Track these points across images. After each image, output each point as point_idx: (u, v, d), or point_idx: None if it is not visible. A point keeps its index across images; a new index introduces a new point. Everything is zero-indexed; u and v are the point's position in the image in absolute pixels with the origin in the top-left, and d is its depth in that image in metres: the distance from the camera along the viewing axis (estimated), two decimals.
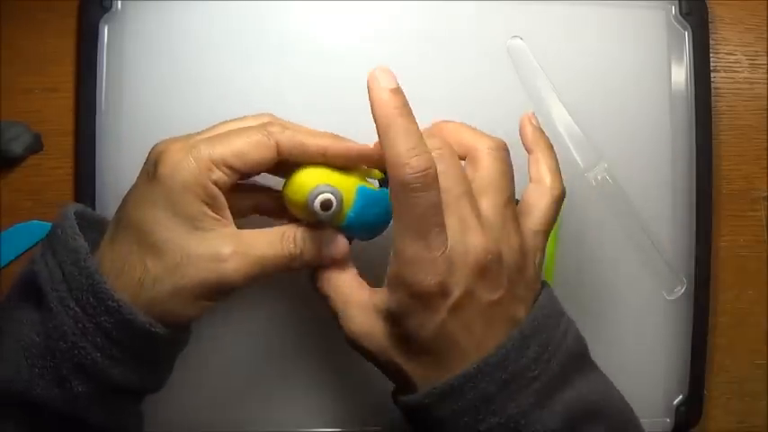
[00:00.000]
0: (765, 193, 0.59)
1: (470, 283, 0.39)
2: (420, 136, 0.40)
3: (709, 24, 0.58)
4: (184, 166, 0.39)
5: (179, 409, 0.53)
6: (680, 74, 0.57)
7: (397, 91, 0.40)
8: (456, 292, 0.38)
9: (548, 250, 0.48)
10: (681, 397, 0.57)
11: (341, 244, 0.44)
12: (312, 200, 0.41)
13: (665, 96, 0.57)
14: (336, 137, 0.43)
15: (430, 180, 0.38)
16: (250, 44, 0.54)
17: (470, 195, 0.40)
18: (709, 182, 0.57)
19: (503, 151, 0.43)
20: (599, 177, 0.55)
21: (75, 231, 0.41)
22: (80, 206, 0.44)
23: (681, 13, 0.57)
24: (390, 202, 0.40)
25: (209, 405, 0.54)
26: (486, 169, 0.42)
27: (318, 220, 0.42)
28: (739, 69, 0.59)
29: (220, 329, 0.54)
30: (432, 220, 0.38)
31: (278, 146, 0.41)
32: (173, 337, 0.42)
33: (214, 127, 0.44)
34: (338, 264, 0.44)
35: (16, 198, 0.55)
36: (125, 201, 0.42)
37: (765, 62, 0.59)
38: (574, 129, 0.55)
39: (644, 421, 0.56)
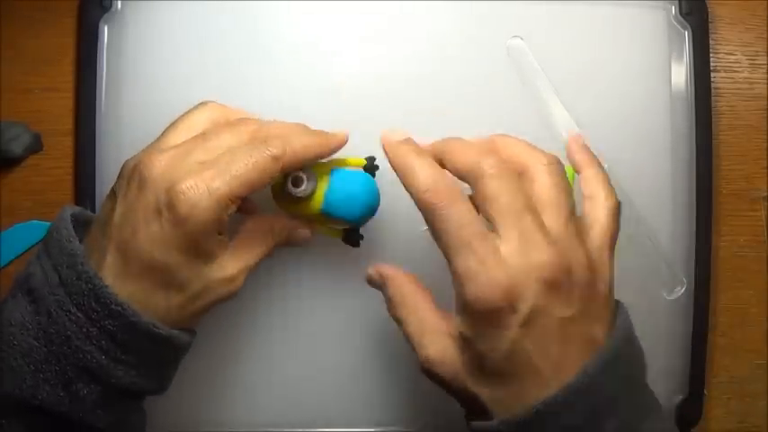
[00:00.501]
0: (765, 193, 0.59)
1: (539, 299, 0.37)
2: (432, 163, 0.41)
3: (710, 24, 0.58)
4: (206, 209, 0.40)
5: (179, 408, 0.53)
6: (680, 74, 0.57)
7: (408, 140, 0.44)
8: (524, 308, 0.36)
9: None
10: (681, 397, 0.57)
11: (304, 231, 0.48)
12: (285, 180, 0.46)
13: (665, 96, 0.57)
14: (322, 136, 0.46)
15: (450, 196, 0.39)
16: (250, 44, 0.54)
17: (531, 210, 0.39)
18: (709, 182, 0.57)
19: (558, 166, 0.42)
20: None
21: (70, 234, 0.41)
22: (77, 208, 0.44)
23: (681, 13, 0.57)
24: (420, 212, 0.41)
25: (210, 405, 0.54)
26: (543, 185, 0.40)
27: (295, 198, 0.47)
28: (739, 69, 0.59)
29: (221, 329, 0.54)
30: (468, 231, 0.38)
31: (282, 169, 0.43)
32: (177, 338, 0.42)
33: (203, 140, 0.43)
34: (412, 289, 0.45)
35: (16, 198, 0.55)
36: (134, 237, 0.40)
37: (765, 62, 0.59)
38: (574, 129, 0.55)
39: None
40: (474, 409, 0.40)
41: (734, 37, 0.59)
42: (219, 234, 0.42)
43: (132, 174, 0.41)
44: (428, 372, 0.41)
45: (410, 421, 0.55)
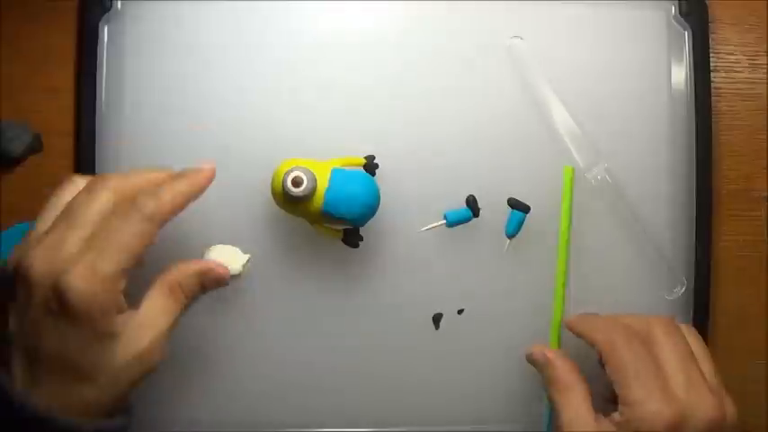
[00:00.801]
0: (765, 193, 0.59)
1: None
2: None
3: (710, 24, 0.58)
4: (96, 293, 0.38)
5: (177, 409, 0.53)
6: (680, 74, 0.57)
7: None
8: None
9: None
10: None
11: (217, 269, 0.45)
12: (284, 180, 0.47)
13: (665, 96, 0.57)
14: (187, 176, 0.44)
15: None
16: (250, 43, 0.54)
17: (693, 358, 0.44)
18: (709, 182, 0.57)
19: (673, 326, 0.47)
20: (599, 177, 0.55)
21: None
22: None
23: (681, 13, 0.57)
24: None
25: (209, 405, 0.54)
26: (689, 342, 0.46)
27: (295, 198, 0.47)
28: (739, 69, 0.59)
29: (219, 329, 0.54)
30: (647, 370, 0.43)
31: (160, 224, 0.42)
32: (105, 427, 0.41)
33: (74, 216, 0.41)
34: (575, 379, 0.46)
35: (16, 198, 0.55)
36: (35, 339, 0.39)
37: (765, 62, 0.59)
38: (573, 129, 0.55)
39: None
40: None
41: (734, 37, 0.59)
42: (119, 311, 0.40)
43: (16, 277, 0.39)
44: None
45: (409, 421, 0.55)
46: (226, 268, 0.45)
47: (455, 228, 0.54)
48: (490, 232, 0.55)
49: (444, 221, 0.54)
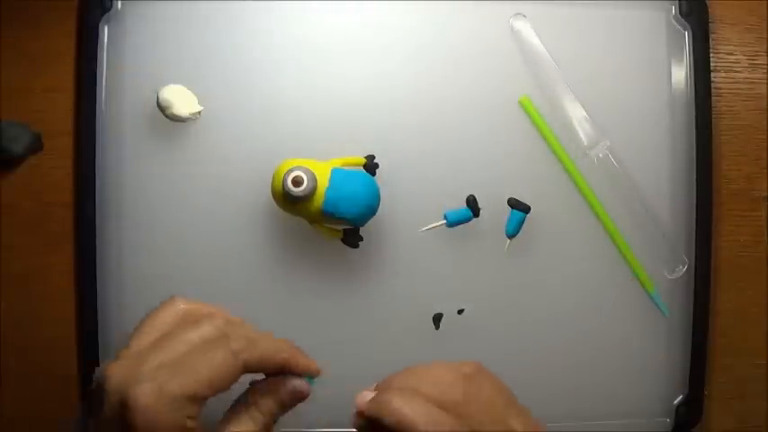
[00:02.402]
0: (765, 193, 0.59)
1: None
2: (421, 401, 0.40)
3: (710, 24, 0.58)
4: (161, 418, 0.36)
5: None
6: (680, 74, 0.57)
7: (382, 392, 0.41)
8: None
9: None
10: (681, 397, 0.57)
11: (298, 382, 0.43)
12: (285, 180, 0.47)
13: (666, 96, 0.57)
14: (293, 347, 0.43)
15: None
16: (250, 44, 0.54)
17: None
18: (709, 182, 0.57)
19: (478, 369, 0.42)
20: (600, 155, 0.55)
21: None
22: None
23: (681, 13, 0.57)
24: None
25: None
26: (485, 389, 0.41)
27: (295, 197, 0.47)
28: (739, 69, 0.59)
29: None
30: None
31: (245, 367, 0.39)
32: None
33: (167, 339, 0.40)
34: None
35: (16, 198, 0.55)
36: None
37: (765, 62, 0.59)
38: (578, 110, 0.55)
39: (644, 421, 0.57)
40: None
41: (734, 37, 0.59)
42: None
43: (97, 387, 0.39)
44: None
45: None
46: (302, 381, 0.43)
47: (455, 228, 0.54)
48: (490, 232, 0.55)
49: (444, 221, 0.54)
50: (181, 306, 0.42)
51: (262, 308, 0.54)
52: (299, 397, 0.43)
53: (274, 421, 0.42)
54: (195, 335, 0.40)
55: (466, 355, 0.56)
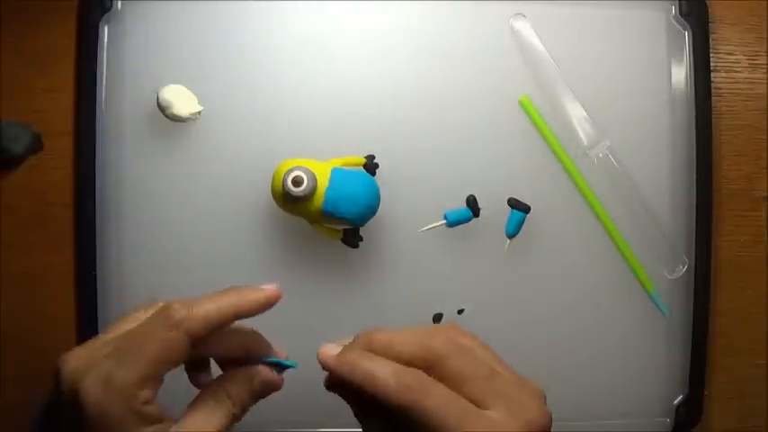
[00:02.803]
0: (765, 193, 0.59)
1: None
2: (385, 361, 0.39)
3: (710, 24, 0.58)
4: (110, 405, 0.36)
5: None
6: (680, 74, 0.57)
7: (345, 348, 0.41)
8: None
9: None
10: (681, 397, 0.57)
11: (267, 372, 0.42)
12: (285, 180, 0.47)
13: (666, 96, 0.57)
14: (238, 291, 0.40)
15: (422, 386, 0.37)
16: (250, 44, 0.54)
17: (496, 373, 0.39)
18: (709, 182, 0.57)
19: (473, 341, 0.41)
20: (600, 155, 0.55)
21: None
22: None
23: (681, 13, 0.57)
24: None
25: None
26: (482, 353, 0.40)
27: (295, 197, 0.47)
28: (739, 69, 0.59)
29: None
30: (455, 414, 0.36)
31: (189, 335, 0.37)
32: None
33: (111, 332, 0.39)
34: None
35: (16, 198, 0.55)
36: None
37: (765, 62, 0.59)
38: (578, 109, 0.55)
39: (644, 421, 0.57)
40: None
41: (734, 37, 0.59)
42: (145, 422, 0.37)
43: (55, 374, 0.38)
44: None
45: None
46: (275, 373, 0.42)
47: (455, 228, 0.54)
48: (490, 232, 0.55)
49: (444, 221, 0.54)
50: (158, 305, 0.41)
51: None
52: (272, 387, 0.42)
53: (244, 410, 0.41)
54: (138, 321, 0.39)
55: None
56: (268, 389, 0.42)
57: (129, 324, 0.39)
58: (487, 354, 0.40)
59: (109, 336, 0.39)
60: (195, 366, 0.42)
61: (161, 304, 0.40)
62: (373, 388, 0.37)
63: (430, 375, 0.38)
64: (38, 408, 0.40)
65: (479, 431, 0.36)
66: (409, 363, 0.38)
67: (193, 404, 0.40)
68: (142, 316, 0.39)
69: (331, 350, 0.41)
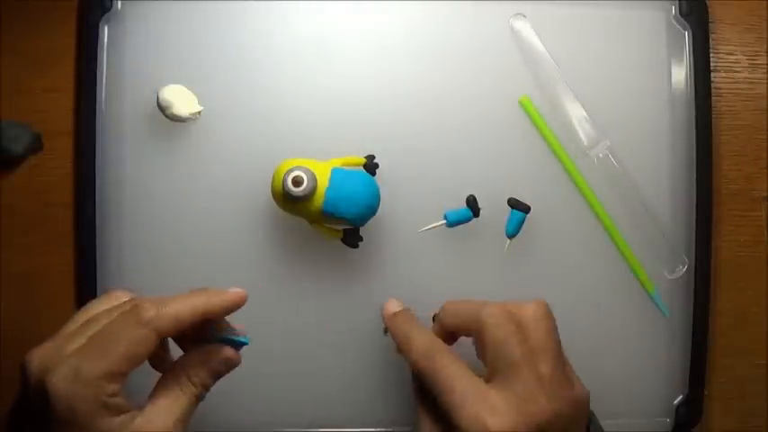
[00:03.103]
0: (765, 193, 0.59)
1: None
2: (426, 331, 0.46)
3: (710, 24, 0.58)
4: (78, 399, 0.36)
5: None
6: (680, 74, 0.57)
7: (404, 310, 0.49)
8: None
9: None
10: (681, 397, 0.57)
11: (226, 350, 0.43)
12: (285, 180, 0.47)
13: (666, 96, 0.57)
14: (207, 292, 0.41)
15: (444, 359, 0.42)
16: (250, 44, 0.54)
17: (528, 361, 0.42)
18: (709, 182, 0.57)
19: (545, 310, 0.44)
20: (600, 155, 0.55)
21: None
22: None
23: (681, 13, 0.57)
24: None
25: (209, 405, 0.54)
26: (536, 332, 0.43)
27: (295, 197, 0.47)
28: (739, 69, 0.59)
29: None
30: (465, 389, 0.41)
31: (157, 332, 0.38)
32: None
33: (77, 322, 0.40)
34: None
35: (16, 198, 0.55)
36: None
37: (765, 62, 0.59)
38: (578, 109, 0.55)
39: (644, 421, 0.57)
40: None
41: (734, 37, 0.59)
42: (112, 414, 0.37)
43: (21, 371, 0.39)
44: None
45: (410, 421, 0.55)
46: (233, 351, 0.42)
47: (455, 228, 0.54)
48: (490, 232, 0.55)
49: (444, 221, 0.54)
50: (116, 296, 0.42)
51: (261, 308, 0.54)
52: (232, 365, 0.43)
53: (206, 390, 0.42)
54: (107, 316, 0.39)
55: (465, 354, 0.56)
56: (228, 367, 0.43)
57: (87, 315, 0.40)
58: (544, 335, 0.43)
59: (70, 328, 0.40)
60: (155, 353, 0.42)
61: (117, 293, 0.41)
62: (404, 348, 0.45)
63: (478, 341, 0.43)
64: (6, 412, 0.40)
65: (475, 413, 0.39)
66: (462, 328, 0.45)
67: (156, 392, 0.40)
68: (102, 307, 0.40)
69: (393, 307, 0.49)
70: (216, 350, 0.42)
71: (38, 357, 0.38)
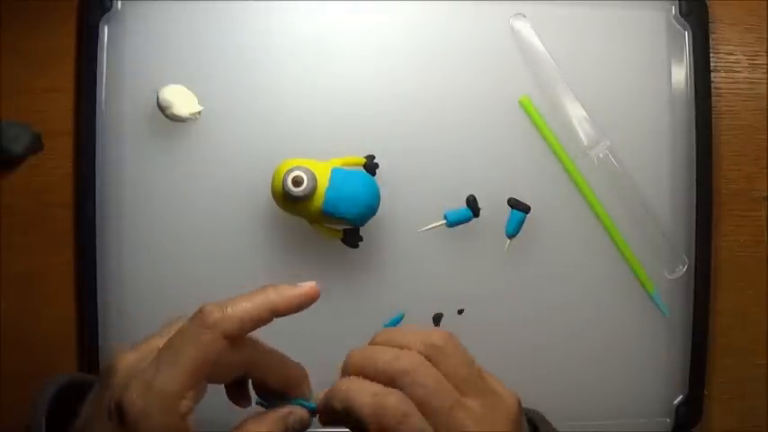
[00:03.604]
0: (765, 193, 0.59)
1: None
2: (369, 386, 0.39)
3: (710, 24, 0.58)
4: (153, 415, 0.35)
5: None
6: (680, 74, 0.57)
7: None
8: None
9: None
10: (681, 397, 0.57)
11: (300, 411, 0.41)
12: (285, 180, 0.47)
13: (666, 96, 0.57)
14: (274, 288, 0.39)
15: (398, 411, 0.37)
16: (250, 44, 0.54)
17: (458, 402, 0.38)
18: (710, 182, 0.57)
19: (451, 341, 0.41)
20: (600, 155, 0.55)
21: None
22: (65, 379, 0.41)
23: (681, 13, 0.57)
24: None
25: (208, 405, 0.54)
26: (454, 362, 0.40)
27: (295, 197, 0.47)
28: (739, 69, 0.59)
29: None
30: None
31: (225, 336, 0.37)
32: None
33: (154, 342, 0.38)
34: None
35: (16, 198, 0.55)
36: None
37: (765, 62, 0.59)
38: (578, 109, 0.55)
39: (644, 421, 0.57)
40: None
41: (734, 37, 0.59)
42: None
43: (103, 370, 0.38)
44: None
45: None
46: (304, 410, 0.41)
47: (455, 228, 0.54)
48: (490, 232, 0.55)
49: (444, 221, 0.54)
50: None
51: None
52: (305, 425, 0.41)
53: None
54: (175, 328, 0.38)
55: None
56: (302, 426, 0.41)
57: (170, 328, 0.38)
58: (461, 380, 0.39)
59: (157, 341, 0.38)
60: (235, 387, 0.41)
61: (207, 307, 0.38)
62: (359, 416, 0.37)
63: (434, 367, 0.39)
64: (44, 400, 0.39)
65: None
66: (384, 382, 0.38)
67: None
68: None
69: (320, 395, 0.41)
70: (293, 409, 0.41)
71: (119, 370, 0.37)
